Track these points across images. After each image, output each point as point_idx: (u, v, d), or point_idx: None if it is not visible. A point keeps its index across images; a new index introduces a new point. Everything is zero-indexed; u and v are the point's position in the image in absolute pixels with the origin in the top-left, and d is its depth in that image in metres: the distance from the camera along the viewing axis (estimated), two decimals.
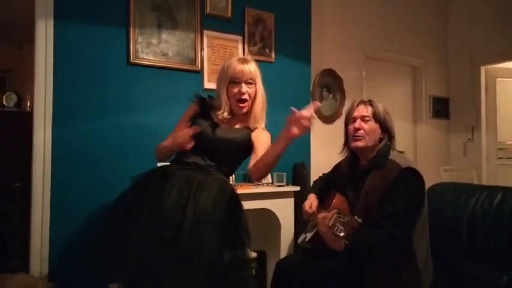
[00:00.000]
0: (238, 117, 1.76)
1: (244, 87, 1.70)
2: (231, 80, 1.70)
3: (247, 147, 1.70)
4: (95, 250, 1.65)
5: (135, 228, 1.51)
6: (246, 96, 1.70)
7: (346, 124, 1.91)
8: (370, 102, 1.85)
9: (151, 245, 1.46)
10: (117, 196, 1.67)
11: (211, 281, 1.46)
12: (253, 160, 1.63)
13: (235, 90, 1.69)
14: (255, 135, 1.72)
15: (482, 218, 1.96)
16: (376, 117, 1.81)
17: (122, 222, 1.57)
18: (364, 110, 1.82)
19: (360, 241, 1.63)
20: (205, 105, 1.77)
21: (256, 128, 1.75)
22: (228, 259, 1.52)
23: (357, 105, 1.86)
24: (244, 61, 1.72)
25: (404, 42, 4.11)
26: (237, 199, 1.70)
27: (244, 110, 1.73)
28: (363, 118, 1.81)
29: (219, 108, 1.72)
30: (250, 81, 1.72)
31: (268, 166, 1.54)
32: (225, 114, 1.71)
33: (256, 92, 1.74)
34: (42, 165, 2.20)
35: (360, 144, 1.80)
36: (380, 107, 1.83)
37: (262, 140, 1.70)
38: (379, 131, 1.81)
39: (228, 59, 1.78)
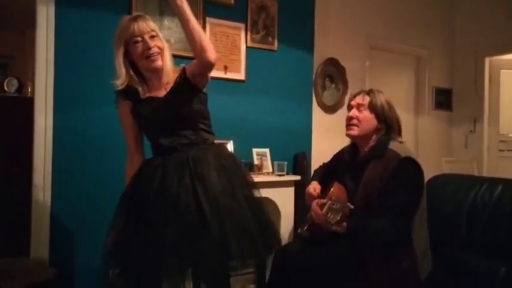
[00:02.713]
0: (156, 80, 1.59)
1: (150, 42, 1.51)
2: (129, 40, 1.52)
3: (196, 92, 1.59)
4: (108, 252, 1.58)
5: (151, 229, 1.46)
6: (155, 50, 1.52)
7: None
8: (369, 92, 1.84)
9: (172, 237, 1.42)
10: (118, 204, 1.60)
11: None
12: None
13: (140, 49, 1.51)
14: (189, 73, 1.57)
15: (482, 209, 1.96)
16: (372, 107, 1.80)
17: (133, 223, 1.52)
18: (361, 99, 1.83)
19: (364, 227, 1.64)
20: (128, 93, 1.59)
21: (181, 75, 1.58)
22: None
23: (356, 94, 1.87)
24: (136, 17, 1.55)
25: (409, 33, 4.08)
26: (235, 161, 1.68)
27: (159, 64, 1.54)
28: (359, 107, 1.82)
29: (119, 80, 1.54)
30: (153, 33, 1.53)
31: (190, 33, 1.45)
32: (124, 81, 1.54)
33: (163, 46, 1.56)
34: (43, 151, 2.21)
35: (351, 132, 1.82)
36: (380, 97, 1.82)
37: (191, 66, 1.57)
38: (374, 121, 1.79)
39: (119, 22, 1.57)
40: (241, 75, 2.90)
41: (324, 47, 3.42)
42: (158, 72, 1.58)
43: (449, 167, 3.94)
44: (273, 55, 3.05)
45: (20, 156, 2.66)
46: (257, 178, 2.63)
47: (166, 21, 2.60)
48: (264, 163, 2.83)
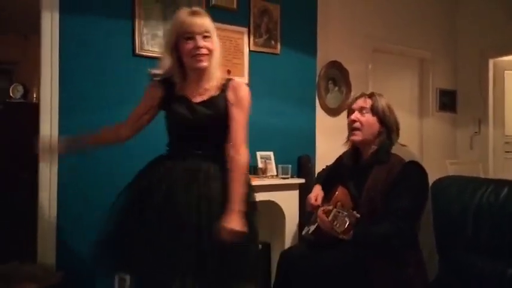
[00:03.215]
0: (196, 80, 1.56)
1: (201, 41, 1.48)
2: (182, 35, 1.49)
3: (226, 109, 1.57)
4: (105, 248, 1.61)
5: (148, 228, 1.48)
6: (204, 51, 1.49)
7: (348, 116, 1.90)
8: (370, 95, 1.82)
9: (168, 243, 1.44)
10: (120, 197, 1.63)
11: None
12: (229, 145, 1.54)
13: (190, 46, 1.48)
14: (230, 99, 1.56)
15: (488, 211, 1.95)
16: (374, 110, 1.77)
17: (132, 223, 1.53)
18: (363, 102, 1.80)
19: (367, 234, 1.63)
20: (168, 83, 1.57)
21: (224, 89, 1.57)
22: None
23: (358, 98, 1.85)
24: (195, 13, 1.52)
25: (412, 34, 4.07)
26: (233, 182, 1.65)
27: (204, 64, 1.51)
28: (361, 110, 1.79)
29: (167, 71, 1.53)
30: (207, 34, 1.51)
31: None
32: (179, 74, 1.53)
33: (214, 49, 1.54)
34: (49, 157, 2.22)
35: (356, 138, 1.79)
36: (381, 100, 1.80)
37: (238, 105, 1.56)
38: (377, 124, 1.78)
39: (175, 14, 1.55)
40: (244, 79, 2.90)
41: (327, 50, 3.42)
42: (201, 73, 1.55)
43: (454, 168, 3.92)
44: (276, 58, 3.06)
45: (26, 162, 2.68)
46: (261, 181, 2.64)
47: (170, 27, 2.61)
48: (268, 166, 2.83)
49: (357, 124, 1.78)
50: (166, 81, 1.59)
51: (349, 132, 1.85)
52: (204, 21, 1.52)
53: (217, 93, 1.57)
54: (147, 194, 1.53)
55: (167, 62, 1.55)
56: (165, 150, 1.66)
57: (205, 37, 1.51)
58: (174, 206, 1.47)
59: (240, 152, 1.53)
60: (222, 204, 1.47)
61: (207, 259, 1.44)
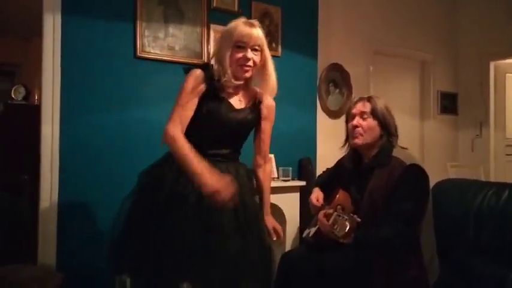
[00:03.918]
0: (233, 88, 1.60)
1: (250, 53, 1.54)
2: (236, 43, 1.53)
3: (257, 119, 1.70)
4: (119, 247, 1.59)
5: (172, 228, 1.47)
6: (250, 63, 1.54)
7: (347, 121, 1.90)
8: (369, 99, 1.81)
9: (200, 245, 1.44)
10: (136, 192, 1.61)
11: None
12: (260, 155, 1.74)
13: (240, 55, 1.53)
14: (264, 115, 1.70)
15: (489, 214, 1.94)
16: (374, 113, 1.77)
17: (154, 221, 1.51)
18: (363, 107, 1.79)
19: (368, 238, 1.63)
20: (212, 79, 1.57)
21: (258, 102, 1.67)
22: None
23: (356, 102, 1.84)
24: (252, 24, 1.56)
25: (413, 37, 4.08)
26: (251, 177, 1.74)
27: (248, 75, 1.57)
28: (362, 115, 1.79)
29: (223, 76, 1.55)
30: (257, 47, 1.56)
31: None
32: (230, 78, 1.54)
33: (266, 59, 1.61)
34: (50, 158, 2.23)
35: (358, 141, 1.79)
36: (380, 103, 1.80)
37: (271, 122, 1.74)
38: (378, 128, 1.77)
39: (232, 21, 1.59)
40: None
41: (328, 53, 3.42)
42: (242, 83, 1.61)
43: (455, 171, 3.91)
44: (277, 61, 2.97)
45: (27, 163, 2.68)
46: None
47: (171, 29, 2.62)
48: None
49: (359, 129, 1.78)
50: (210, 78, 1.57)
51: (350, 137, 1.85)
52: (258, 35, 1.56)
53: (253, 104, 1.67)
54: (175, 196, 1.51)
55: (228, 67, 1.55)
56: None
57: (254, 50, 1.56)
58: (207, 208, 1.45)
59: (268, 162, 1.78)
60: (253, 204, 1.59)
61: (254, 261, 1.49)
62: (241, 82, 1.60)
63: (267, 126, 1.73)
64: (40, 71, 2.27)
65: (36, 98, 3.73)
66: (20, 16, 4.11)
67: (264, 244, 1.61)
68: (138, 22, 2.48)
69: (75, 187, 2.27)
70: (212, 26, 2.77)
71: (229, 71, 1.54)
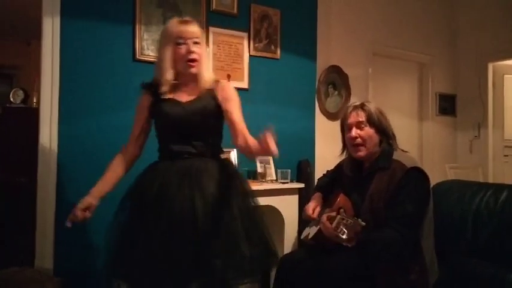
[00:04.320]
0: (185, 84, 1.64)
1: (192, 46, 1.58)
2: (175, 40, 1.58)
3: (219, 111, 1.64)
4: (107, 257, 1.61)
5: (146, 232, 1.49)
6: (195, 56, 1.58)
7: (342, 129, 1.89)
8: (362, 107, 1.80)
9: (166, 246, 1.45)
10: (119, 204, 1.65)
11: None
12: (237, 134, 1.58)
13: (183, 50, 1.57)
14: (221, 97, 1.63)
15: (487, 215, 1.95)
16: (370, 121, 1.77)
17: (130, 230, 1.56)
18: (358, 116, 1.78)
19: (370, 241, 1.62)
20: (155, 89, 1.62)
21: (212, 87, 1.64)
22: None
23: (350, 112, 1.82)
24: (186, 21, 1.62)
25: (412, 39, 4.08)
26: (237, 174, 1.71)
27: (195, 70, 1.60)
28: (358, 125, 1.78)
29: (161, 78, 1.59)
30: (197, 40, 1.60)
31: (252, 156, 1.60)
32: (169, 77, 1.58)
33: (203, 55, 1.63)
34: (48, 161, 2.22)
35: (361, 154, 1.78)
36: (373, 108, 1.79)
37: (230, 100, 1.63)
38: (376, 135, 1.77)
39: (167, 23, 1.65)
40: (244, 84, 2.91)
41: (327, 55, 3.43)
42: (192, 78, 1.62)
43: (454, 172, 3.91)
44: (275, 63, 3.06)
45: (25, 166, 2.68)
46: (261, 186, 2.64)
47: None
48: (268, 171, 2.83)
49: (359, 140, 1.77)
50: (152, 88, 1.64)
51: (350, 148, 1.84)
52: (195, 29, 1.61)
53: (205, 93, 1.64)
54: (141, 199, 1.56)
55: (170, 69, 1.60)
56: (157, 156, 1.69)
57: (195, 43, 1.59)
58: (167, 205, 1.49)
59: (249, 137, 1.57)
60: (217, 199, 1.52)
61: (205, 256, 1.45)
62: (177, 81, 1.61)
63: (229, 106, 1.63)
64: (39, 74, 2.27)
65: (34, 101, 3.72)
66: (19, 19, 4.11)
67: (233, 235, 1.52)
68: (137, 25, 2.49)
69: (73, 190, 2.25)
70: (211, 29, 2.78)
71: (168, 72, 1.58)
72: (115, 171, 1.68)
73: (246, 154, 1.60)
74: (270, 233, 1.65)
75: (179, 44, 1.58)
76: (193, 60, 1.58)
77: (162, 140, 1.67)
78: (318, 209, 1.92)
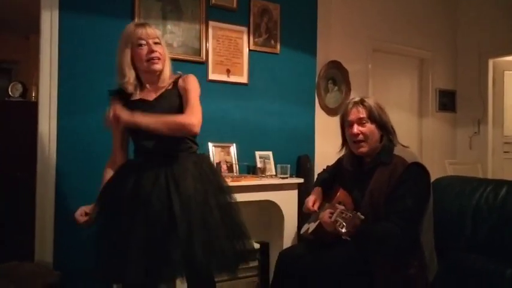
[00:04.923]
0: (150, 82, 1.67)
1: (153, 46, 1.61)
2: (135, 43, 1.61)
3: (181, 100, 1.65)
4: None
5: (122, 231, 1.49)
6: (157, 54, 1.61)
7: (342, 126, 1.88)
8: (362, 103, 1.79)
9: (145, 243, 1.46)
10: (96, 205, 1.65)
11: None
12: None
13: (144, 51, 1.61)
14: (182, 90, 1.65)
15: (487, 211, 1.95)
16: (371, 117, 1.76)
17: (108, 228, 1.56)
18: (359, 113, 1.77)
19: (368, 232, 1.62)
20: (123, 93, 1.65)
21: (175, 84, 1.67)
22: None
23: (351, 108, 1.81)
24: (144, 24, 1.66)
25: (412, 35, 4.07)
26: (213, 169, 1.72)
27: (158, 67, 1.62)
28: (359, 121, 1.77)
29: (122, 81, 1.62)
30: (157, 40, 1.64)
31: (157, 131, 1.55)
32: (131, 80, 1.62)
33: (165, 54, 1.66)
34: (47, 155, 2.22)
35: (363, 150, 1.78)
36: (373, 104, 1.79)
37: (189, 90, 1.64)
38: (377, 130, 1.77)
39: (125, 29, 1.67)
40: (244, 79, 2.91)
41: (327, 50, 3.41)
42: (156, 75, 1.66)
43: (453, 168, 3.92)
44: (275, 58, 3.06)
45: (24, 160, 2.67)
46: (260, 181, 2.64)
47: (169, 26, 2.62)
48: (267, 166, 2.83)
49: (360, 137, 1.77)
50: (121, 93, 1.66)
51: (351, 145, 1.83)
52: (153, 30, 1.65)
53: (169, 88, 1.67)
54: (115, 197, 1.57)
55: (130, 71, 1.63)
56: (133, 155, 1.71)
57: (155, 43, 1.63)
58: (143, 201, 1.50)
59: (189, 115, 1.55)
60: (194, 194, 1.53)
61: (186, 251, 1.45)
62: (134, 83, 1.63)
63: (188, 93, 1.63)
64: (37, 68, 2.26)
65: (33, 95, 3.71)
66: (17, 13, 4.09)
67: (211, 228, 1.53)
68: (136, 19, 2.47)
69: (72, 184, 2.26)
70: (211, 23, 2.77)
71: (129, 74, 1.61)
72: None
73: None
74: (247, 229, 1.66)
75: (140, 45, 1.61)
76: (156, 58, 1.61)
77: (135, 139, 1.69)
78: (318, 203, 1.92)
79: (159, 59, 1.62)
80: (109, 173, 1.71)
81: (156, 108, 1.60)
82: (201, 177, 1.60)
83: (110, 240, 1.52)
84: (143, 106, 1.60)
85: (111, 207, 1.58)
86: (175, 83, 1.68)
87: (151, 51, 1.61)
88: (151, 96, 1.66)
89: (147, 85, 1.67)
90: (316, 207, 1.90)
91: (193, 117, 1.54)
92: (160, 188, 1.52)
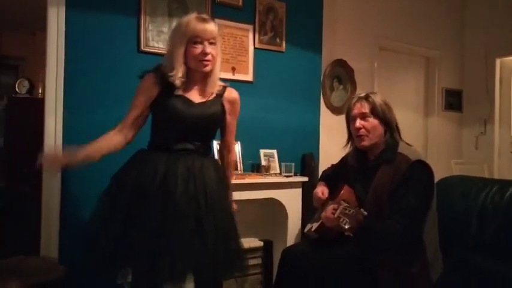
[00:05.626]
0: (195, 82, 1.64)
1: (208, 47, 1.56)
2: (191, 39, 1.55)
3: (223, 119, 1.71)
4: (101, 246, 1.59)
5: (147, 223, 1.50)
6: (210, 57, 1.57)
7: (347, 121, 1.89)
8: (367, 98, 1.80)
9: (169, 237, 1.47)
10: (106, 194, 1.67)
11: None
12: (224, 147, 1.83)
13: (198, 50, 1.55)
14: (228, 109, 1.71)
15: (492, 211, 1.94)
16: (374, 112, 1.77)
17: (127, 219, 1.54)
18: (362, 107, 1.78)
19: (370, 230, 1.62)
20: (165, 78, 1.59)
21: (221, 93, 1.68)
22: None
23: (355, 103, 1.82)
24: (205, 20, 1.59)
25: (418, 33, 4.04)
26: (225, 175, 1.79)
27: (208, 69, 1.59)
28: (362, 116, 1.78)
29: (171, 74, 1.57)
30: (213, 41, 1.58)
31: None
32: (179, 75, 1.56)
33: (217, 55, 1.62)
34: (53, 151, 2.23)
35: (365, 143, 1.78)
36: (378, 100, 1.79)
37: (236, 116, 1.76)
38: (380, 126, 1.77)
39: (184, 17, 1.62)
40: (249, 77, 2.90)
41: (332, 48, 3.40)
42: (204, 77, 1.64)
43: (459, 168, 3.89)
44: (281, 56, 3.05)
45: (31, 156, 2.69)
46: (264, 179, 2.64)
47: (175, 23, 2.61)
48: (272, 164, 2.83)
49: (362, 131, 1.77)
50: (164, 80, 1.60)
51: (354, 138, 1.83)
52: (213, 28, 1.59)
53: (215, 97, 1.67)
54: (142, 189, 1.55)
55: (181, 65, 1.58)
56: (149, 146, 1.70)
57: (211, 43, 1.58)
58: (172, 198, 1.50)
59: (233, 153, 1.89)
60: (218, 195, 1.59)
61: (208, 248, 1.49)
62: (183, 79, 1.59)
63: (232, 121, 1.76)
64: (44, 64, 2.27)
65: (40, 91, 3.74)
66: (24, 10, 4.12)
67: (225, 233, 1.58)
68: (142, 16, 2.48)
69: (78, 180, 2.27)
70: (216, 21, 2.73)
71: (180, 69, 1.57)
72: (109, 144, 1.65)
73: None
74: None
75: (195, 42, 1.56)
76: (208, 61, 1.58)
77: (160, 134, 1.66)
78: (326, 192, 1.93)
79: (211, 61, 1.59)
80: (112, 135, 1.66)
81: (199, 113, 1.61)
82: (220, 181, 1.65)
83: (131, 228, 1.51)
84: (187, 106, 1.60)
85: (134, 200, 1.55)
86: (220, 94, 1.69)
87: (205, 53, 1.56)
88: (196, 98, 1.63)
89: (195, 86, 1.65)
90: (325, 195, 1.92)
91: (235, 154, 1.76)
92: (189, 188, 1.53)
